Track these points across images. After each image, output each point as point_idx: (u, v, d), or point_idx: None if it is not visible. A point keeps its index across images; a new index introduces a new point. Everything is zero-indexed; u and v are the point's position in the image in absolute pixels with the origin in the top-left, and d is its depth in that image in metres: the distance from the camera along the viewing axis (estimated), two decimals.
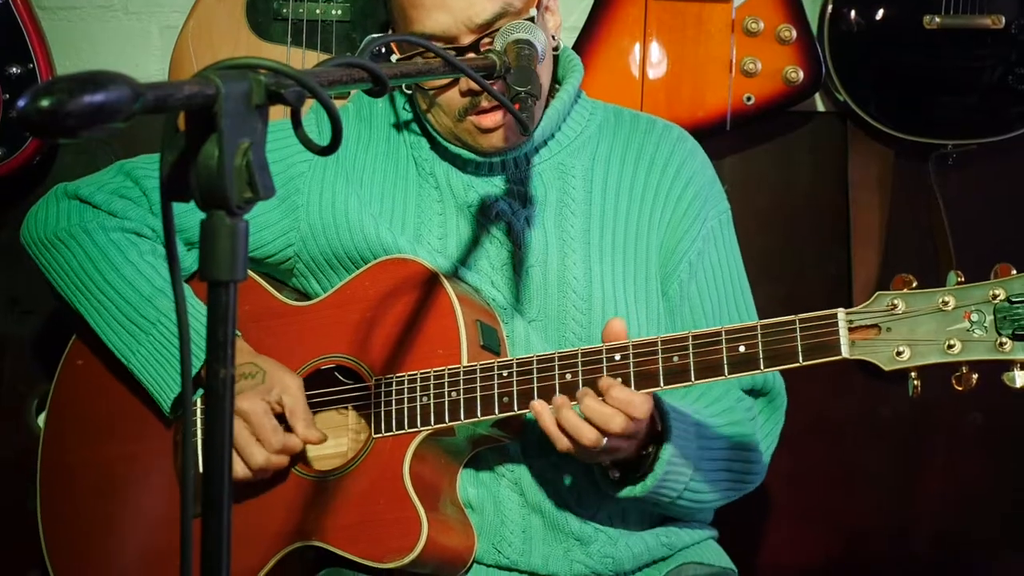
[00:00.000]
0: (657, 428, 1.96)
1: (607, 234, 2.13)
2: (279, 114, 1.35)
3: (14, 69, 2.60)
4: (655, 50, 2.76)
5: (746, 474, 2.13)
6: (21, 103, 1.06)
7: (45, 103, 1.05)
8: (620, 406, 1.83)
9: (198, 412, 2.05)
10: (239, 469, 1.97)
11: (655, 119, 2.26)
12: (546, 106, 2.13)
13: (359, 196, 2.13)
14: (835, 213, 2.95)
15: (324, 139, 1.29)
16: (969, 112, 2.81)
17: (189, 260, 2.13)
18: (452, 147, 2.11)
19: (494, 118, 2.03)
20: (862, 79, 2.80)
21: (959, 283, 1.74)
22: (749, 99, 2.76)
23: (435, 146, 2.15)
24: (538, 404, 1.88)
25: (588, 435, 1.84)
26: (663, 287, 2.15)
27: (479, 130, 2.05)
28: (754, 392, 2.16)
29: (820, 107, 2.96)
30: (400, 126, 2.20)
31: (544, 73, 2.05)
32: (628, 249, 2.13)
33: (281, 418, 2.00)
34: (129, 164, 2.19)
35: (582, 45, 2.76)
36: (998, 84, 2.78)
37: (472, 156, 2.10)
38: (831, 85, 2.83)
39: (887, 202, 2.93)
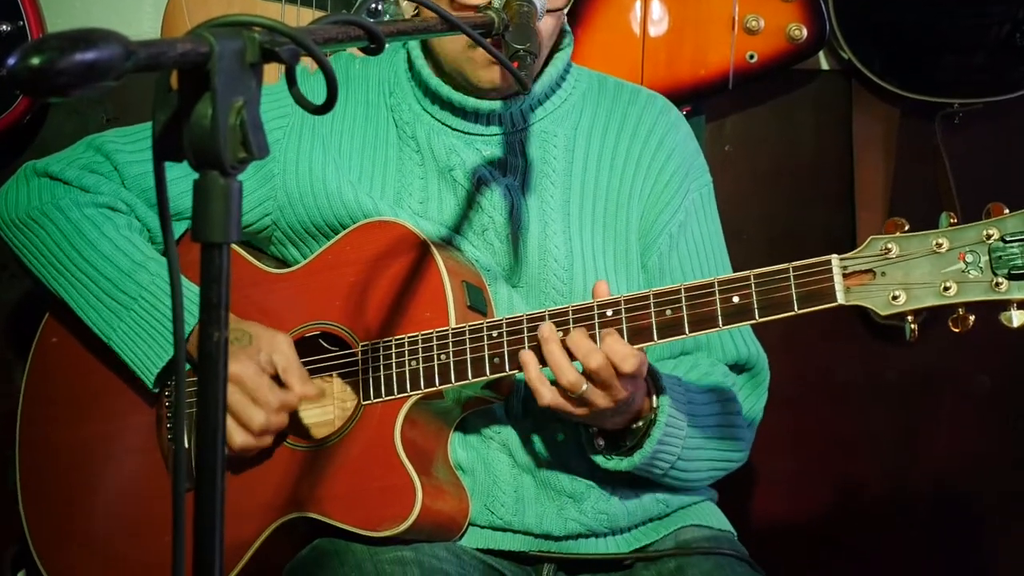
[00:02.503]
0: (652, 404, 1.95)
1: (587, 204, 2.12)
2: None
3: (4, 27, 2.57)
4: (656, 7, 2.73)
5: (733, 452, 2.12)
6: (11, 61, 1.05)
7: (36, 61, 1.03)
8: (609, 354, 1.81)
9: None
10: (239, 437, 1.93)
11: (640, 88, 2.24)
12: (541, 70, 2.11)
13: (337, 162, 2.11)
14: (839, 173, 2.94)
15: (318, 98, 1.26)
16: (976, 70, 2.79)
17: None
18: (443, 88, 2.07)
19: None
20: (867, 36, 2.78)
21: (952, 224, 1.73)
22: (752, 57, 2.73)
23: (425, 99, 2.11)
24: (526, 354, 1.86)
25: (568, 374, 1.82)
26: (642, 259, 2.14)
27: (490, 62, 2.00)
28: (737, 367, 2.15)
29: (824, 65, 2.94)
30: (380, 88, 2.17)
31: (546, 32, 2.02)
32: (608, 220, 2.12)
33: (274, 380, 1.97)
34: (98, 139, 2.15)
35: (582, 2, 2.73)
36: (1005, 42, 2.76)
37: (462, 101, 2.07)
38: (835, 43, 2.80)
39: (892, 162, 2.91)
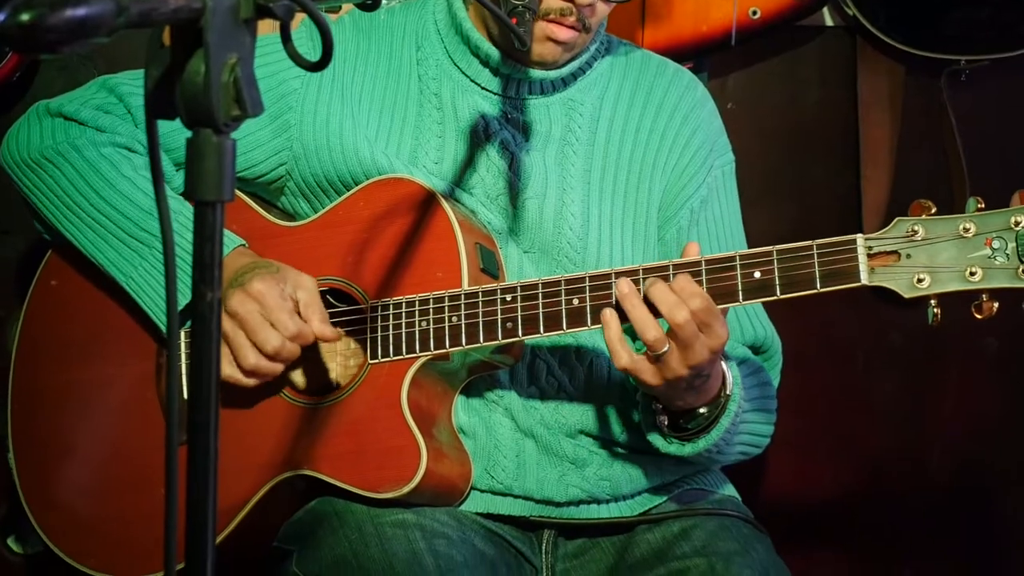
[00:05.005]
0: (726, 391, 1.91)
1: (608, 174, 2.10)
2: (270, 28, 1.31)
3: None
4: None
5: (763, 436, 2.11)
6: (0, 17, 1.04)
7: (25, 17, 1.03)
8: (683, 295, 1.78)
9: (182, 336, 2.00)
10: (251, 357, 1.89)
11: (667, 62, 2.22)
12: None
13: (354, 116, 2.08)
14: (844, 131, 2.92)
15: (318, 54, 1.25)
16: (983, 26, 2.76)
17: (178, 181, 2.08)
18: (484, 45, 2.04)
19: (569, 34, 1.99)
20: None
21: (979, 209, 1.72)
22: (755, 13, 2.70)
23: (458, 54, 2.08)
24: (609, 313, 1.81)
25: (653, 330, 1.77)
26: (660, 232, 2.12)
27: (547, 37, 1.99)
28: (751, 350, 2.14)
29: (828, 21, 2.91)
30: (406, 40, 2.14)
31: (602, 14, 2.01)
32: (629, 191, 2.11)
33: None
34: (112, 80, 2.12)
35: None
36: None
37: (500, 63, 2.04)
38: None
39: (897, 120, 2.89)
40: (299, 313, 1.91)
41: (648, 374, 1.82)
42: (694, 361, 1.80)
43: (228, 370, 1.91)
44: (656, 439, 1.97)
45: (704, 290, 1.79)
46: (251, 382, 1.93)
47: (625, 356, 1.81)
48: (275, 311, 1.88)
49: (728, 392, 1.92)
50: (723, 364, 1.91)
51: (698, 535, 1.98)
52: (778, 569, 1.96)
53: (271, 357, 1.89)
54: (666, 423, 1.95)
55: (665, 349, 1.79)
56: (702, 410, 1.92)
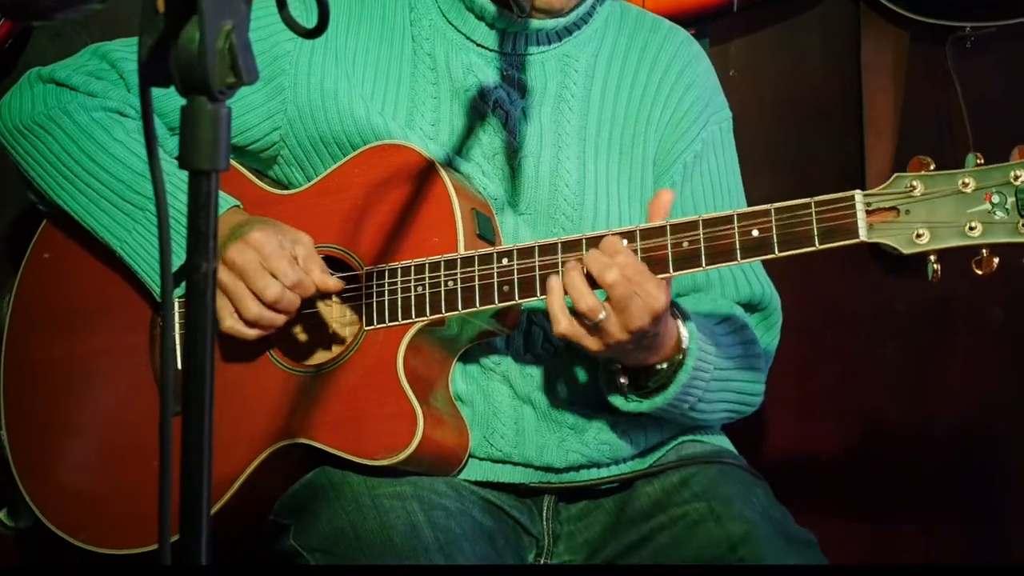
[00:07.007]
0: (682, 345, 1.91)
1: (604, 131, 2.09)
2: None
3: None
4: None
5: (751, 395, 2.10)
6: None
7: None
8: (609, 253, 1.79)
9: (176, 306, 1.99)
10: (253, 308, 1.89)
11: (661, 19, 2.21)
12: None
13: (349, 77, 2.07)
14: (847, 99, 2.90)
15: (311, 19, 1.23)
16: None
17: (171, 144, 2.07)
18: None
19: None
20: None
21: (979, 164, 1.71)
22: None
23: (453, 12, 2.06)
24: (554, 280, 1.83)
25: (587, 299, 1.79)
26: (655, 187, 2.10)
27: None
28: (749, 307, 2.13)
29: None
30: (398, 2, 2.12)
31: None
32: (625, 148, 2.10)
33: None
34: (104, 47, 2.11)
35: None
36: None
37: (495, 17, 2.02)
38: None
39: (901, 87, 2.88)
40: (299, 264, 1.91)
41: (588, 340, 1.83)
42: (633, 326, 1.80)
43: (230, 322, 1.91)
44: (616, 399, 1.97)
45: (642, 256, 1.80)
46: (253, 334, 1.92)
47: (564, 322, 1.82)
48: (274, 259, 1.89)
49: (685, 347, 1.91)
50: (677, 321, 1.91)
51: (698, 482, 1.98)
52: (778, 510, 1.97)
53: (272, 306, 1.90)
54: (626, 383, 1.95)
55: (601, 316, 1.79)
56: (660, 366, 1.92)
